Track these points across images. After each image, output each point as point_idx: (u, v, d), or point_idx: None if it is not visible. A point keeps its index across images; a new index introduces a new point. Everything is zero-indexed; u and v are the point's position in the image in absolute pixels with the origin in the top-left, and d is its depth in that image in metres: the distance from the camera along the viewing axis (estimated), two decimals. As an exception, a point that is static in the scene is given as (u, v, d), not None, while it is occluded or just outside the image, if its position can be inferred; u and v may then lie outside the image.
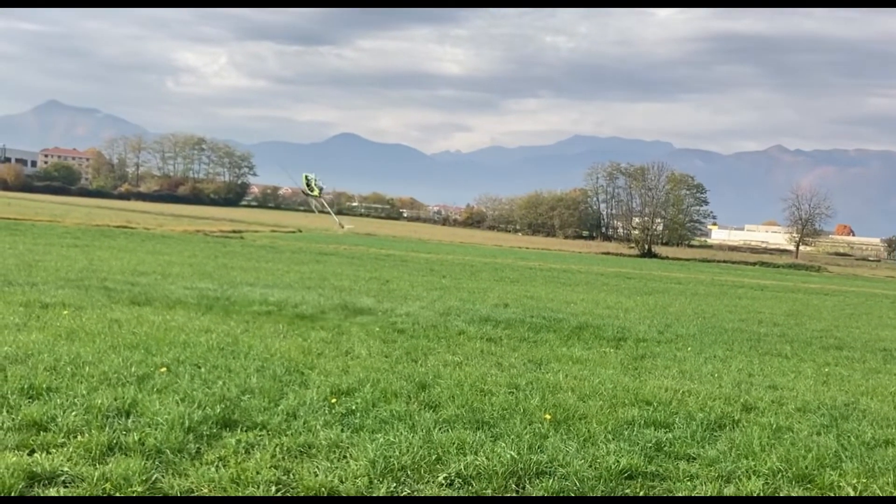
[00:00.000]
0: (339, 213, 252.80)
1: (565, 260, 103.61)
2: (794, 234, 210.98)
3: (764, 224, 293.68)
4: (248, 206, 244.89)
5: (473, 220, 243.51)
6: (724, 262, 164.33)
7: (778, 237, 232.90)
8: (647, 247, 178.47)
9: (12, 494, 7.65)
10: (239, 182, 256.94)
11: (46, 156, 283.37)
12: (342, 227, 56.76)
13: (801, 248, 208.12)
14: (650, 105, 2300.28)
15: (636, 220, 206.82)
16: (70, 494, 7.77)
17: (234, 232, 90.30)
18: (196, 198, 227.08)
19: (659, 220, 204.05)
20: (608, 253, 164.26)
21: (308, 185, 53.56)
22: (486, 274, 53.96)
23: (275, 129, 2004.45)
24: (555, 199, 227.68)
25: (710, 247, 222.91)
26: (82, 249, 41.48)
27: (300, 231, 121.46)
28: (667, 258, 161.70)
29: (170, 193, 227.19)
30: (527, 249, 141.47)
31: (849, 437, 11.85)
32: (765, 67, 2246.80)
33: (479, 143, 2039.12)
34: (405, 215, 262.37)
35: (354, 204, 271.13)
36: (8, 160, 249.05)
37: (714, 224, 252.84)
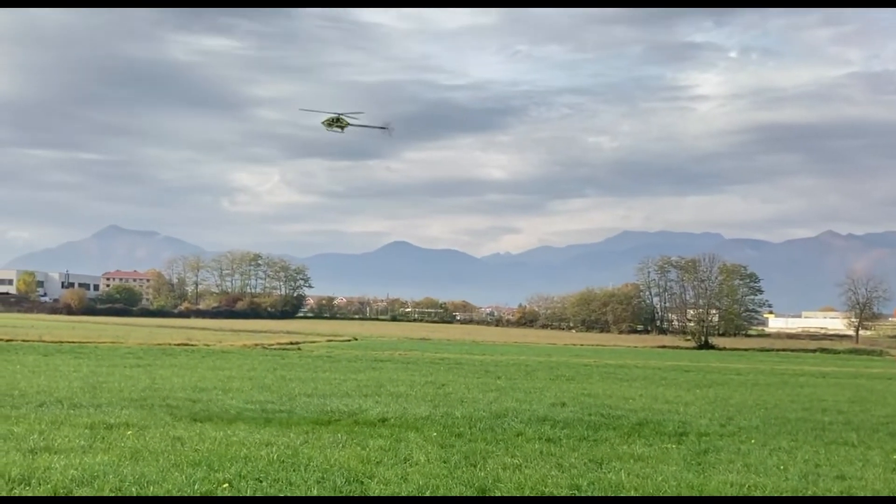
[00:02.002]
0: (393, 319, 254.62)
1: (621, 355, 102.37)
2: (853, 319, 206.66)
3: (821, 310, 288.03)
4: (305, 317, 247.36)
5: (526, 320, 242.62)
6: (784, 350, 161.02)
7: (836, 323, 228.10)
8: (703, 338, 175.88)
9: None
10: (295, 294, 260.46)
11: (108, 279, 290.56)
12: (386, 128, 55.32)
13: (861, 332, 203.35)
14: (697, 198, 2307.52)
15: (690, 312, 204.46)
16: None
17: (292, 344, 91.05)
18: (254, 312, 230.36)
19: (714, 311, 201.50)
20: (664, 346, 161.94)
21: (336, 121, 50.11)
22: (542, 373, 53.58)
23: (328, 241, 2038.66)
24: (607, 295, 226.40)
25: (768, 336, 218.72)
26: (144, 369, 42.23)
27: (356, 339, 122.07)
28: (724, 349, 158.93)
29: (228, 309, 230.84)
30: (581, 346, 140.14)
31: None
32: (809, 155, 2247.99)
33: (528, 243, 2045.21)
34: (458, 318, 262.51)
35: (408, 310, 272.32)
36: (71, 285, 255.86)
37: (771, 312, 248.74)
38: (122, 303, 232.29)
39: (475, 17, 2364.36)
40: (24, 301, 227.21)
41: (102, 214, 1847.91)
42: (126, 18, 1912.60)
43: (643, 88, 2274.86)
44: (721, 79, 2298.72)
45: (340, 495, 12.04)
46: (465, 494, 12.52)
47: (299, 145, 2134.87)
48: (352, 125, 54.03)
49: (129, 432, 18.14)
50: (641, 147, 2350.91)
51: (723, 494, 13.21)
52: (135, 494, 12.02)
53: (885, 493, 13.90)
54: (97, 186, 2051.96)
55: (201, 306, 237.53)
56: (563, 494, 12.88)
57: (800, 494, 13.57)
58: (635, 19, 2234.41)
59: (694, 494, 13.18)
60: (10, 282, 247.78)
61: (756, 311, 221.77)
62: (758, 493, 13.41)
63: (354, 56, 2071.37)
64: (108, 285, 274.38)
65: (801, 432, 22.99)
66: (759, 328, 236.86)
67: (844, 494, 13.84)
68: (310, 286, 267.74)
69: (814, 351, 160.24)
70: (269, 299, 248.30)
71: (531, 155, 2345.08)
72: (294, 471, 14.14)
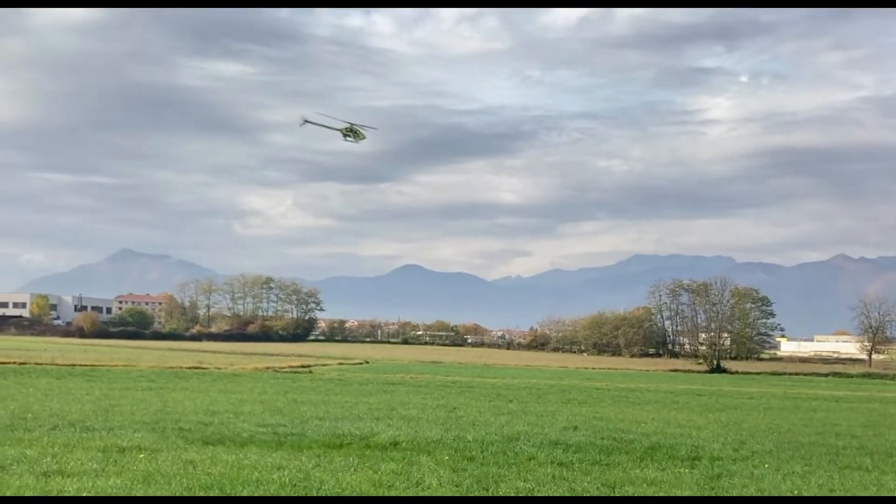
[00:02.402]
0: (404, 342, 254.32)
1: (632, 379, 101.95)
2: (866, 343, 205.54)
3: (833, 334, 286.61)
4: (316, 340, 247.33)
5: (538, 343, 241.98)
6: (796, 374, 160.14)
7: (849, 346, 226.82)
8: (715, 362, 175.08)
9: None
10: (307, 318, 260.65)
11: (121, 302, 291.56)
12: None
13: (874, 356, 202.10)
14: (708, 221, 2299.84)
15: (702, 335, 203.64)
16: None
17: (303, 367, 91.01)
18: (265, 335, 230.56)
19: (726, 335, 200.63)
20: (676, 370, 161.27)
21: (351, 132, 51.13)
22: (553, 396, 53.43)
23: (340, 264, 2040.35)
24: (618, 319, 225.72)
25: (781, 359, 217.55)
26: (156, 392, 42.32)
27: (367, 362, 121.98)
28: (736, 373, 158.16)
29: (240, 332, 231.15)
30: (593, 370, 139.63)
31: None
32: (820, 178, 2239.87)
33: (539, 266, 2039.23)
34: (469, 341, 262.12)
35: (419, 333, 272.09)
36: (84, 308, 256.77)
37: (783, 336, 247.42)
38: (134, 326, 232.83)
39: (486, 43, 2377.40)
40: (37, 324, 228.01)
41: (116, 238, 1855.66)
42: (142, 45, 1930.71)
43: (654, 113, 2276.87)
44: (732, 103, 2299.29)
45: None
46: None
47: (312, 169, 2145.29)
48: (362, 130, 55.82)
49: (141, 455, 18.20)
50: (652, 171, 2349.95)
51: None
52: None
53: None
54: (111, 210, 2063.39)
55: (213, 329, 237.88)
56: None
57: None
58: (646, 44, 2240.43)
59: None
60: (23, 305, 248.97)
61: (768, 335, 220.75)
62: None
63: (366, 81, 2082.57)
64: (120, 308, 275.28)
65: (814, 457, 22.86)
66: (772, 352, 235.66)
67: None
68: (321, 309, 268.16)
69: (826, 375, 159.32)
70: (281, 322, 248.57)
71: (542, 179, 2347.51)
72: (306, 495, 14.14)
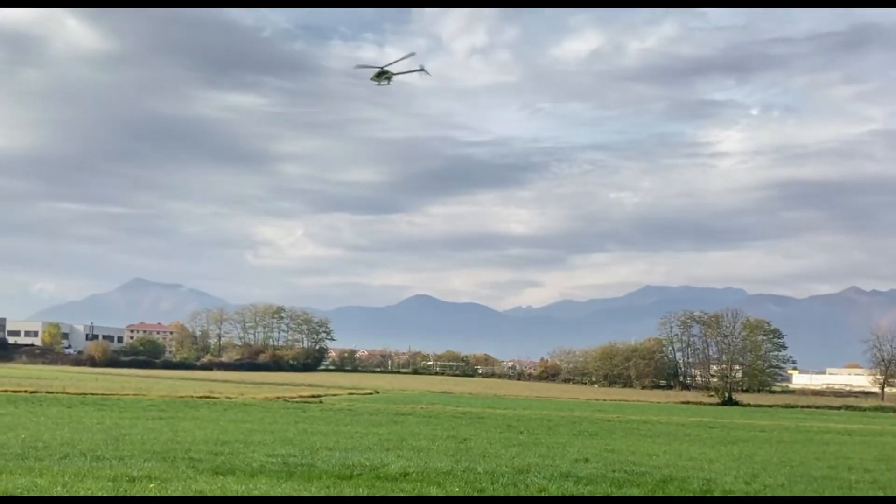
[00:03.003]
0: (415, 372, 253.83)
1: (644, 411, 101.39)
2: (878, 376, 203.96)
3: (846, 367, 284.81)
4: (327, 370, 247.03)
5: (548, 374, 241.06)
6: (808, 407, 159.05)
7: (861, 380, 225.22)
8: (727, 394, 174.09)
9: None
10: (317, 347, 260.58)
11: (132, 331, 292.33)
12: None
13: (887, 389, 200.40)
14: (719, 253, 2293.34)
15: (714, 367, 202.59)
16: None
17: (314, 396, 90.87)
18: (276, 365, 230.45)
19: (737, 367, 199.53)
20: (687, 402, 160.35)
21: (382, 74, 50.82)
22: (564, 428, 53.18)
23: (351, 294, 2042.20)
24: (629, 350, 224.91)
25: (793, 392, 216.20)
26: (167, 421, 42.35)
27: (377, 392, 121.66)
28: (748, 405, 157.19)
29: (251, 362, 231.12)
30: (604, 401, 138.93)
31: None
32: (831, 211, 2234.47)
33: (550, 297, 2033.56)
34: (480, 372, 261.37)
35: (430, 363, 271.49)
36: (96, 337, 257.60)
37: (795, 369, 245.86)
38: (145, 355, 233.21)
39: (498, 76, 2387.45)
40: (48, 353, 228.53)
41: (128, 267, 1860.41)
42: (156, 76, 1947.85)
43: (664, 145, 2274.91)
44: (742, 135, 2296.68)
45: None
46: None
47: (324, 200, 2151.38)
48: (395, 74, 55.21)
49: (151, 485, 18.23)
50: (663, 203, 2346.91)
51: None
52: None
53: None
54: (123, 239, 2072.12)
55: (224, 359, 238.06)
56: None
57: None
58: (657, 77, 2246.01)
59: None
60: (35, 333, 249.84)
61: (780, 368, 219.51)
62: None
63: (379, 113, 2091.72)
64: (132, 337, 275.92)
65: (827, 491, 22.71)
66: (783, 384, 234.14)
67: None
68: (332, 339, 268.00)
69: (839, 408, 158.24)
70: (292, 352, 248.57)
71: (552, 210, 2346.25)
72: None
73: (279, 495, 11.14)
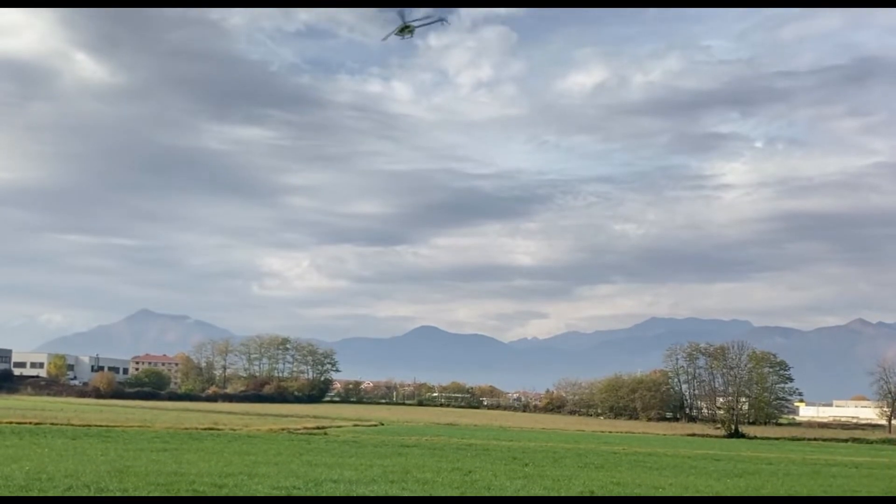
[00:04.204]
0: (420, 403, 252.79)
1: (650, 443, 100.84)
2: (885, 409, 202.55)
3: (853, 399, 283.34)
4: (331, 401, 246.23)
5: (554, 406, 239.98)
6: (815, 439, 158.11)
7: (868, 412, 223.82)
8: (733, 427, 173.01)
9: None
10: (322, 379, 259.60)
11: (137, 363, 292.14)
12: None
13: (894, 422, 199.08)
14: (725, 285, 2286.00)
15: (720, 399, 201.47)
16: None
17: (318, 428, 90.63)
18: (281, 396, 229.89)
19: (744, 399, 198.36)
20: (694, 434, 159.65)
21: (405, 29, 49.70)
22: (570, 460, 52.95)
23: (356, 325, 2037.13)
24: (635, 382, 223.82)
25: (799, 424, 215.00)
26: (171, 453, 42.31)
27: (382, 424, 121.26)
28: (755, 437, 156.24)
29: (255, 393, 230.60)
30: (610, 433, 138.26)
31: None
32: (836, 243, 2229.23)
33: (555, 329, 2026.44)
34: (485, 403, 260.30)
35: (435, 394, 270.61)
36: (101, 369, 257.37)
37: (801, 401, 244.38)
38: (150, 386, 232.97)
39: (503, 109, 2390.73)
40: (53, 384, 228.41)
41: (134, 298, 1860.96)
42: (163, 109, 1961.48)
43: (669, 177, 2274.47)
44: (747, 168, 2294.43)
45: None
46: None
47: (330, 232, 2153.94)
48: (417, 27, 54.39)
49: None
50: (668, 234, 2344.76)
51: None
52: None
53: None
54: (129, 271, 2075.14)
55: (229, 390, 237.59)
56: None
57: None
58: (662, 111, 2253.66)
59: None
60: (41, 365, 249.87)
61: (786, 400, 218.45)
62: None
63: (385, 146, 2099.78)
64: (137, 369, 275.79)
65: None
66: (790, 417, 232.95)
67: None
68: (337, 370, 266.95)
69: (846, 440, 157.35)
70: (297, 383, 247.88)
71: (558, 242, 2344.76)
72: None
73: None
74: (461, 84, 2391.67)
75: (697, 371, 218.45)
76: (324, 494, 24.19)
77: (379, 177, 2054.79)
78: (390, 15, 54.50)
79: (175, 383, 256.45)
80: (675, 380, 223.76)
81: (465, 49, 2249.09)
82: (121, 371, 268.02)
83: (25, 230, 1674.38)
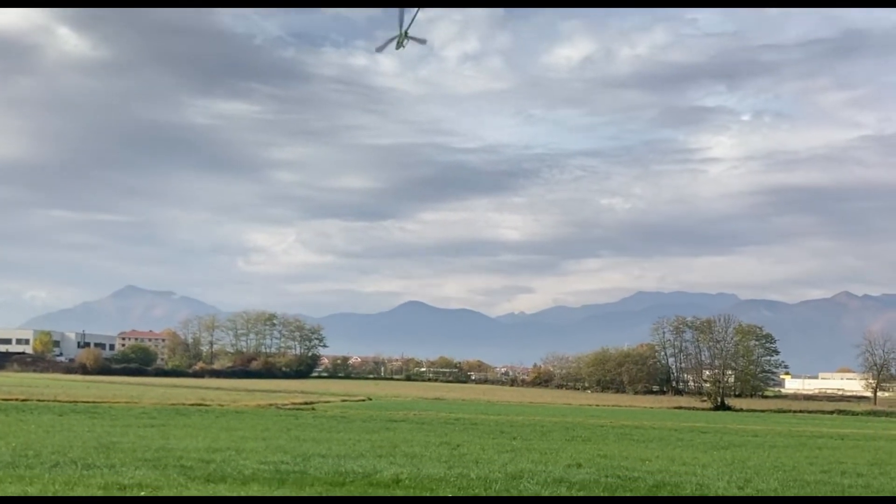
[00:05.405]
0: (408, 378, 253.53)
1: (636, 416, 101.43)
2: (871, 381, 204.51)
3: (838, 371, 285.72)
4: (319, 376, 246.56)
5: (541, 380, 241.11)
6: (801, 411, 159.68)
7: (854, 384, 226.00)
8: (719, 399, 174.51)
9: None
10: (309, 354, 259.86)
11: (124, 339, 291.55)
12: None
13: (879, 393, 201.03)
14: (711, 259, 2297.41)
15: (706, 372, 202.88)
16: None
17: (306, 403, 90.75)
18: (268, 372, 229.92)
19: (730, 372, 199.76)
20: (680, 407, 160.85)
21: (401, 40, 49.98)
22: (557, 434, 53.15)
23: (343, 301, 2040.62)
24: (622, 356, 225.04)
25: (785, 397, 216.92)
26: (158, 429, 42.19)
27: (370, 399, 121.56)
28: (741, 410, 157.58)
29: (243, 369, 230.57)
30: (597, 407, 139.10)
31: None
32: (823, 216, 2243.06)
33: (542, 303, 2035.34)
34: (473, 378, 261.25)
35: (423, 369, 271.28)
36: (87, 345, 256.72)
37: (787, 373, 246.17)
38: (137, 362, 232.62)
39: (490, 83, 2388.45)
40: (40, 361, 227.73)
41: (120, 275, 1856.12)
42: (148, 84, 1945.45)
43: (656, 151, 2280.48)
44: (734, 142, 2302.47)
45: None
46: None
47: (315, 206, 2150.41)
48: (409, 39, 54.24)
49: (142, 493, 18.14)
50: (654, 209, 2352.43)
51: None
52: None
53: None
54: (116, 247, 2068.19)
55: (216, 366, 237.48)
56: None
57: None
58: (648, 84, 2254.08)
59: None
60: (26, 341, 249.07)
61: (772, 373, 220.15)
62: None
63: (370, 119, 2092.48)
64: (123, 345, 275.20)
65: (820, 495, 22.70)
66: (776, 389, 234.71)
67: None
68: (324, 346, 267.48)
69: (831, 412, 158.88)
70: (284, 359, 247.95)
71: (545, 216, 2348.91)
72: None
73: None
74: (447, 57, 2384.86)
75: (684, 344, 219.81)
76: (312, 469, 24.12)
77: (364, 151, 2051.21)
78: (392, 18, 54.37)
79: (162, 359, 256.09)
80: (662, 353, 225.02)
81: (451, 22, 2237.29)
82: (107, 347, 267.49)
83: (10, 206, 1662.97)
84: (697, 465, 31.81)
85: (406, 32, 55.62)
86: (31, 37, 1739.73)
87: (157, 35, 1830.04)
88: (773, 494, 22.39)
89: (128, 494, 17.95)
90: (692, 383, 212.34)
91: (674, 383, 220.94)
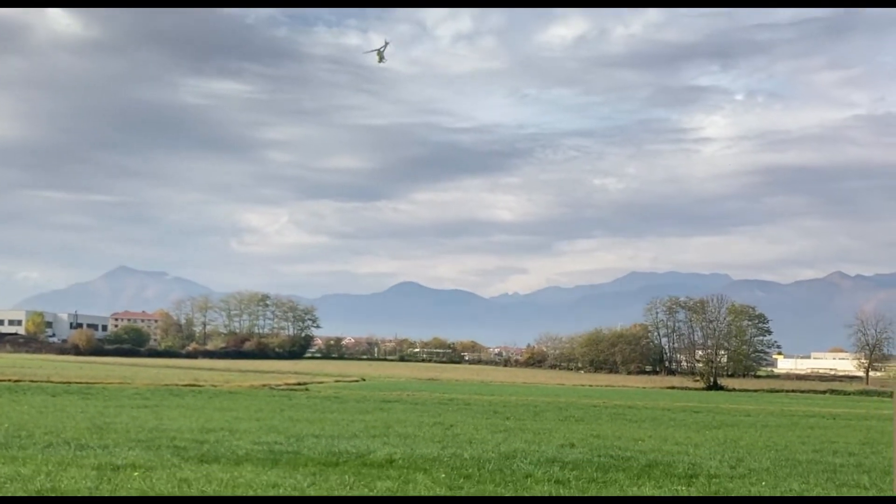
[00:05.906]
0: (401, 359, 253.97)
1: (629, 396, 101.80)
2: (863, 360, 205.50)
3: (830, 351, 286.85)
4: (313, 357, 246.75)
5: (535, 360, 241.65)
6: (793, 391, 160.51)
7: (846, 364, 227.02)
8: (712, 379, 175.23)
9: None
10: (303, 335, 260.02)
11: (116, 319, 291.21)
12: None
13: (871, 373, 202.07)
14: (704, 239, 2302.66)
15: (699, 352, 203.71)
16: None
17: (300, 384, 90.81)
18: (262, 352, 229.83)
19: (722, 352, 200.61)
20: (673, 387, 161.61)
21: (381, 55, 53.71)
22: (550, 414, 53.29)
23: (336, 282, 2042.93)
24: (615, 336, 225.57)
25: (778, 377, 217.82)
26: (152, 409, 42.17)
27: (364, 380, 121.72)
28: (734, 390, 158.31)
29: (236, 350, 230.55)
30: (590, 387, 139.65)
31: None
32: (815, 196, 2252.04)
33: (536, 284, 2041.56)
34: (467, 359, 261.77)
35: (416, 350, 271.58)
36: (80, 326, 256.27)
37: (780, 353, 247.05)
38: (130, 343, 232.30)
39: (483, 63, 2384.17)
40: (32, 342, 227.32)
41: (112, 255, 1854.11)
42: (139, 64, 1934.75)
43: (649, 131, 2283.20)
44: (727, 121, 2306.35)
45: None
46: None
47: (308, 186, 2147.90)
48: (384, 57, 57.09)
49: (135, 474, 18.10)
50: (648, 189, 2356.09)
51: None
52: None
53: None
54: (108, 227, 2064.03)
55: (209, 347, 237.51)
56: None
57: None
58: (642, 63, 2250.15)
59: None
60: (19, 322, 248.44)
61: (765, 352, 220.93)
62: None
63: (363, 99, 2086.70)
64: (116, 326, 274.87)
65: (811, 475, 22.79)
66: (768, 369, 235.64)
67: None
68: (318, 326, 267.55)
69: (824, 392, 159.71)
70: (277, 340, 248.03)
71: (538, 196, 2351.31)
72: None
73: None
74: (440, 36, 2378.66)
75: (677, 325, 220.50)
76: (305, 449, 24.12)
77: (357, 131, 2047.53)
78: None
79: (155, 340, 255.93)
80: (655, 333, 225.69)
81: None
82: (100, 328, 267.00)
83: (1, 187, 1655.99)
84: (690, 445, 31.91)
85: (382, 52, 58.89)
86: (20, 16, 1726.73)
87: (149, 14, 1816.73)
88: (765, 473, 22.46)
89: (121, 475, 17.91)
90: (685, 363, 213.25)
91: (667, 363, 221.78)
